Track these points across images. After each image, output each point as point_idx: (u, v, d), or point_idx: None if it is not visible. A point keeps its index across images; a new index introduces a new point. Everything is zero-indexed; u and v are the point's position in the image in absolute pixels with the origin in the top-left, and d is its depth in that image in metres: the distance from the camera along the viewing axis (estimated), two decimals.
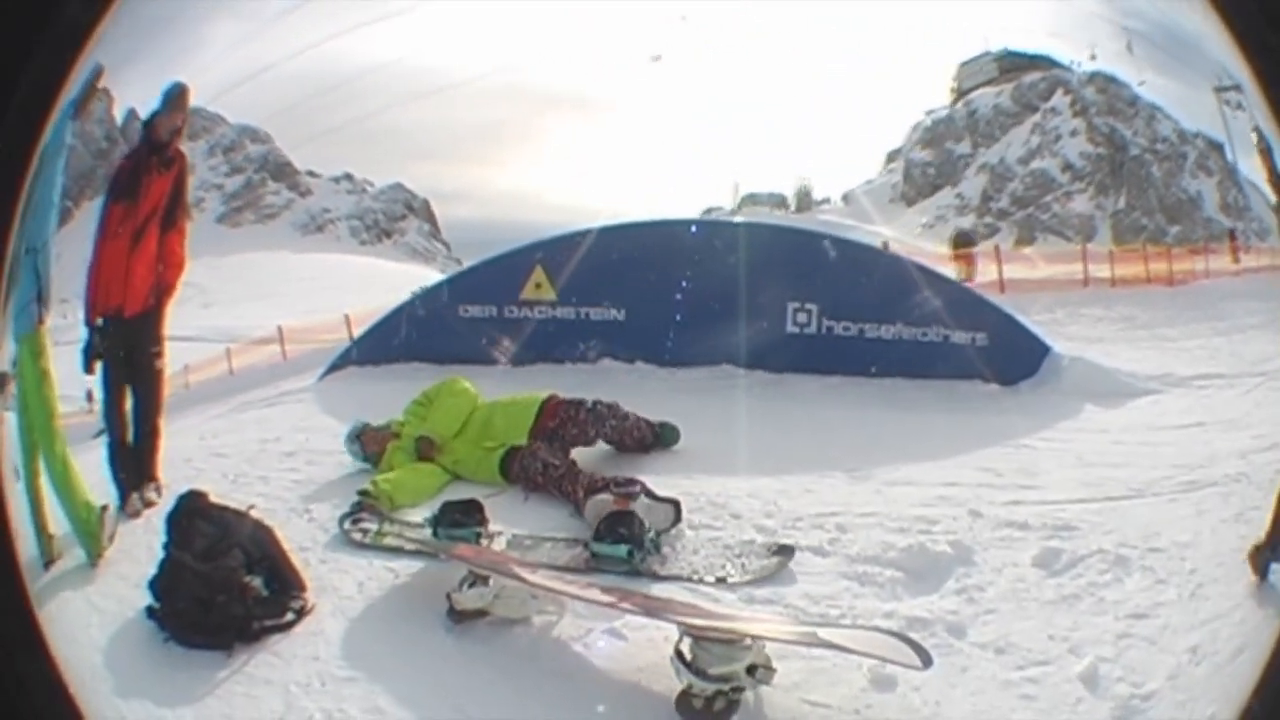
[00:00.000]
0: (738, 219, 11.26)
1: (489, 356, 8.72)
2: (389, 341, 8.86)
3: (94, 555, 5.06)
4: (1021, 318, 7.72)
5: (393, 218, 12.50)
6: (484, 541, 5.40)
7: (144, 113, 6.15)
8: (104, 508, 5.16)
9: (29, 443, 4.99)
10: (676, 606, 4.45)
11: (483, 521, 5.49)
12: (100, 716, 3.63)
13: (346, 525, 5.68)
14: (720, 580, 5.01)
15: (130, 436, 5.89)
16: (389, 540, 5.55)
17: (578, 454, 6.46)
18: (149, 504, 5.86)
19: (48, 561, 4.98)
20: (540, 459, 6.16)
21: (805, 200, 12.59)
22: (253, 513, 5.18)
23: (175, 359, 8.58)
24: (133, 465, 5.87)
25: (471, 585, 4.68)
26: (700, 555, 5.27)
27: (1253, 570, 4.39)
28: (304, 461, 6.82)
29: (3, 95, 2.49)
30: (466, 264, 10.62)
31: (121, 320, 5.75)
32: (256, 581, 4.79)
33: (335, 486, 6.38)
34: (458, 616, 4.66)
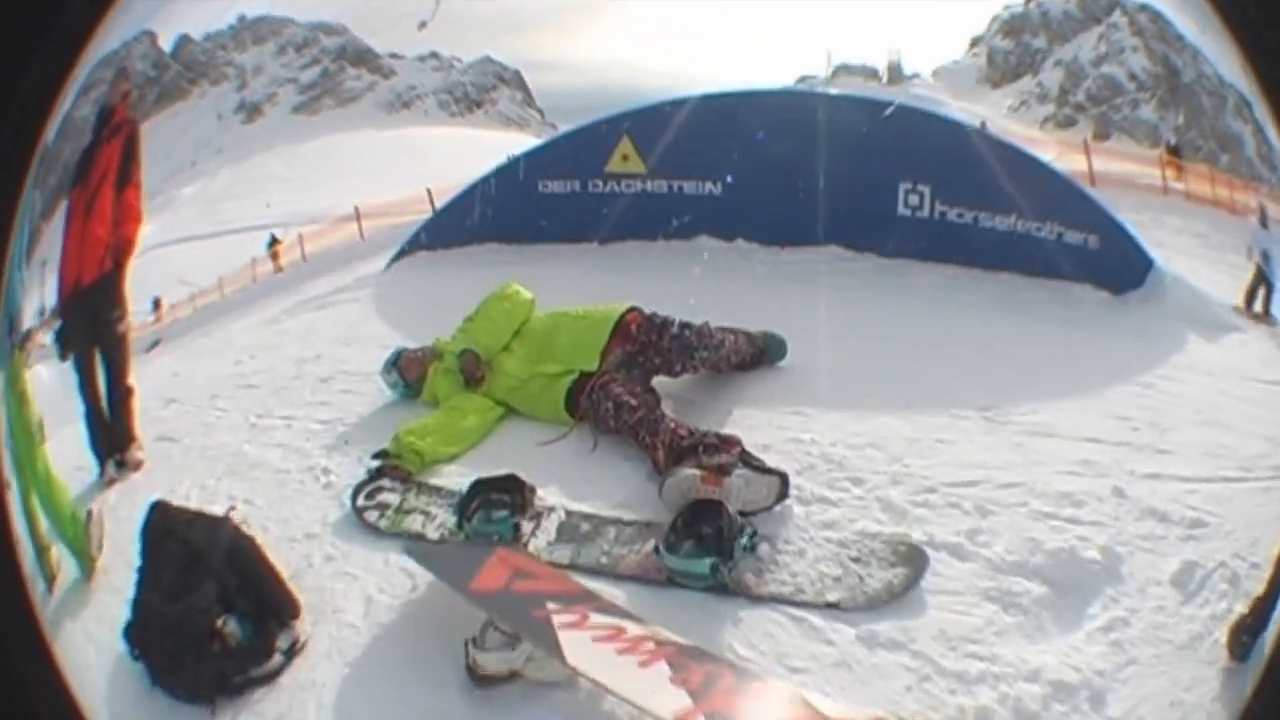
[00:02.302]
0: (835, 91, 8.97)
1: (571, 234, 6.70)
2: (461, 223, 6.91)
3: (86, 568, 3.83)
4: (1130, 227, 5.82)
5: (483, 89, 10.47)
6: (525, 529, 3.55)
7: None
8: (88, 514, 3.90)
9: (18, 466, 3.80)
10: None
11: (524, 504, 3.61)
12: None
13: (361, 501, 3.84)
14: (832, 605, 3.16)
15: (105, 405, 4.59)
16: (411, 523, 3.73)
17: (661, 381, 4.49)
18: (135, 466, 4.48)
19: (49, 579, 3.77)
20: (613, 396, 4.15)
21: (896, 74, 10.67)
22: (233, 516, 3.56)
23: (244, 249, 7.00)
24: (109, 433, 4.54)
25: (496, 628, 2.91)
26: (807, 559, 3.37)
27: (1229, 653, 3.00)
28: (339, 390, 4.97)
29: (3, 95, 2.17)
30: (561, 130, 8.54)
31: (83, 291, 4.56)
32: (231, 625, 3.19)
33: (368, 427, 4.53)
34: (481, 681, 2.90)
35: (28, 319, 4.02)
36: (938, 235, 6.01)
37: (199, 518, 3.45)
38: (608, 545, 3.47)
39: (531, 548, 3.49)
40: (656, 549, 3.31)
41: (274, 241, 7.61)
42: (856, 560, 3.33)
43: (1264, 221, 5.84)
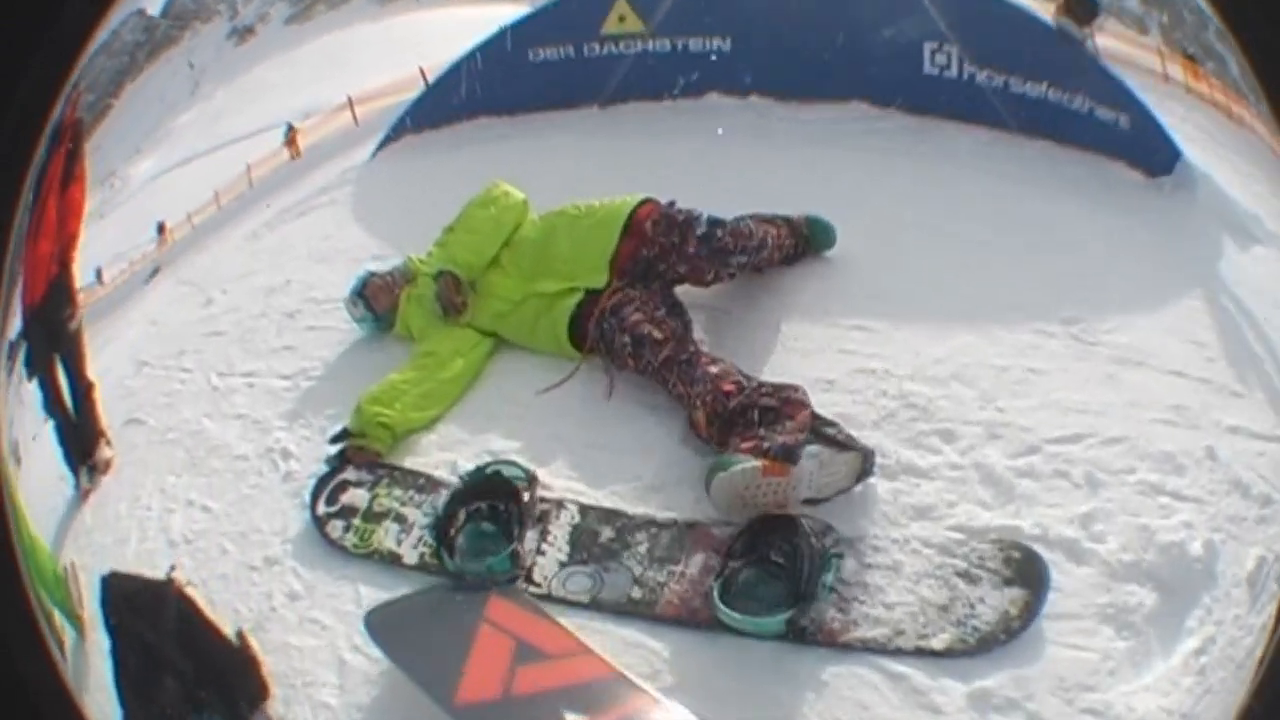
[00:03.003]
0: None
1: (568, 100, 5.16)
2: (448, 102, 5.40)
3: (76, 626, 2.86)
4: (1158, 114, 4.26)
5: None
6: (526, 550, 2.33)
7: None
8: (66, 569, 2.90)
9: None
10: None
11: (521, 516, 2.38)
12: None
13: (322, 508, 2.62)
14: (939, 653, 2.05)
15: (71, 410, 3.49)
16: (383, 537, 2.52)
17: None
18: (105, 467, 3.35)
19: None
20: (630, 325, 2.82)
21: None
22: (177, 579, 2.45)
23: (239, 157, 5.45)
24: (78, 436, 3.46)
25: None
26: (904, 577, 2.21)
27: None
28: (305, 328, 3.62)
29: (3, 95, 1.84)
30: None
31: (36, 309, 3.41)
32: None
33: (334, 380, 3.24)
34: None
35: None
36: (966, 97, 4.52)
37: (143, 591, 2.43)
38: (638, 567, 2.29)
39: (538, 576, 2.31)
40: (709, 592, 2.08)
41: (291, 130, 6.17)
42: (964, 576, 2.19)
43: None
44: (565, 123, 5.05)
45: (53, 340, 3.38)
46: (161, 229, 5.04)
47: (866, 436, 2.52)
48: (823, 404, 2.58)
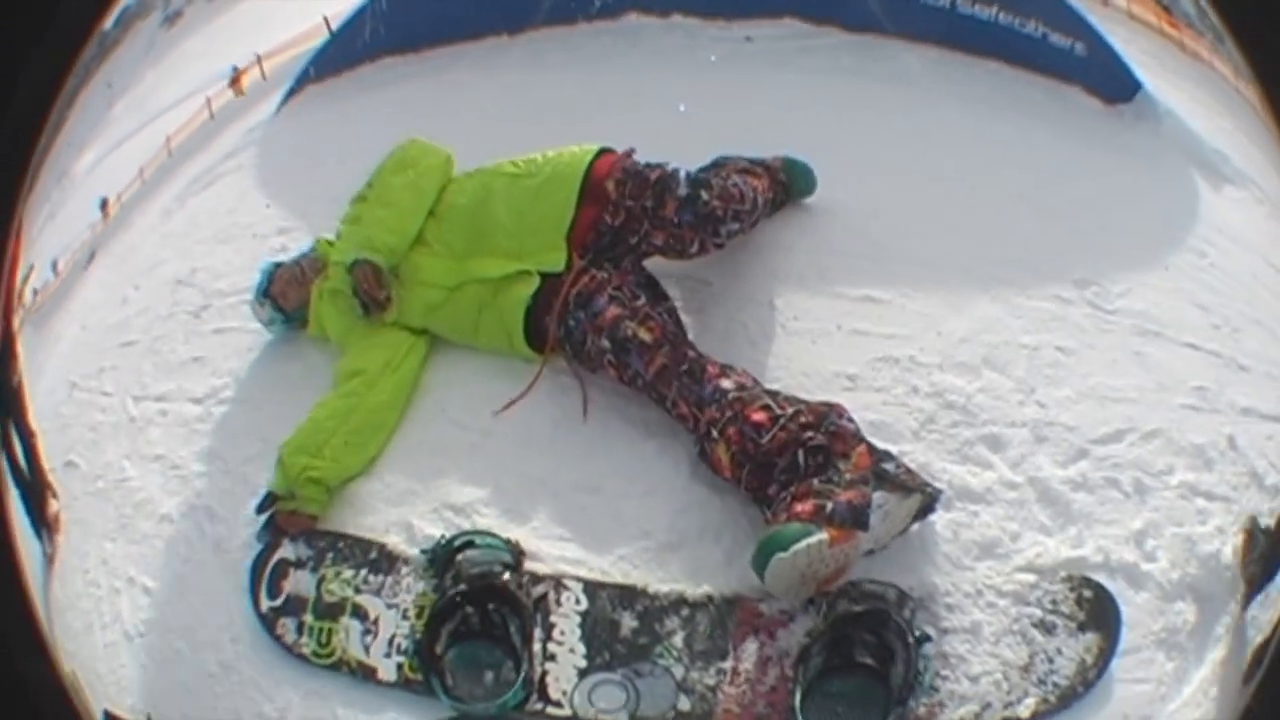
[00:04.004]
0: None
1: (475, 29, 3.97)
2: (352, 46, 4.12)
3: None
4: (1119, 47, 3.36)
5: None
6: (535, 660, 1.51)
7: None
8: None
9: None
10: None
11: (522, 619, 1.54)
12: None
13: (265, 604, 1.72)
14: None
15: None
16: (345, 643, 1.64)
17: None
18: (56, 524, 2.31)
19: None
20: (606, 323, 1.88)
21: None
22: None
23: (162, 128, 4.18)
24: (34, 494, 2.28)
25: None
26: (983, 640, 1.57)
27: None
28: (212, 331, 2.57)
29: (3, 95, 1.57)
30: None
31: None
32: None
33: (248, 406, 2.26)
34: None
35: None
36: (908, 14, 3.50)
37: None
38: (679, 667, 1.53)
39: (555, 691, 1.53)
40: (792, 710, 1.37)
41: (235, 71, 4.84)
42: (1041, 626, 1.63)
43: None
44: (475, 56, 3.89)
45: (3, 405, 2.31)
46: (104, 205, 3.95)
47: (910, 453, 1.80)
48: (848, 407, 1.79)
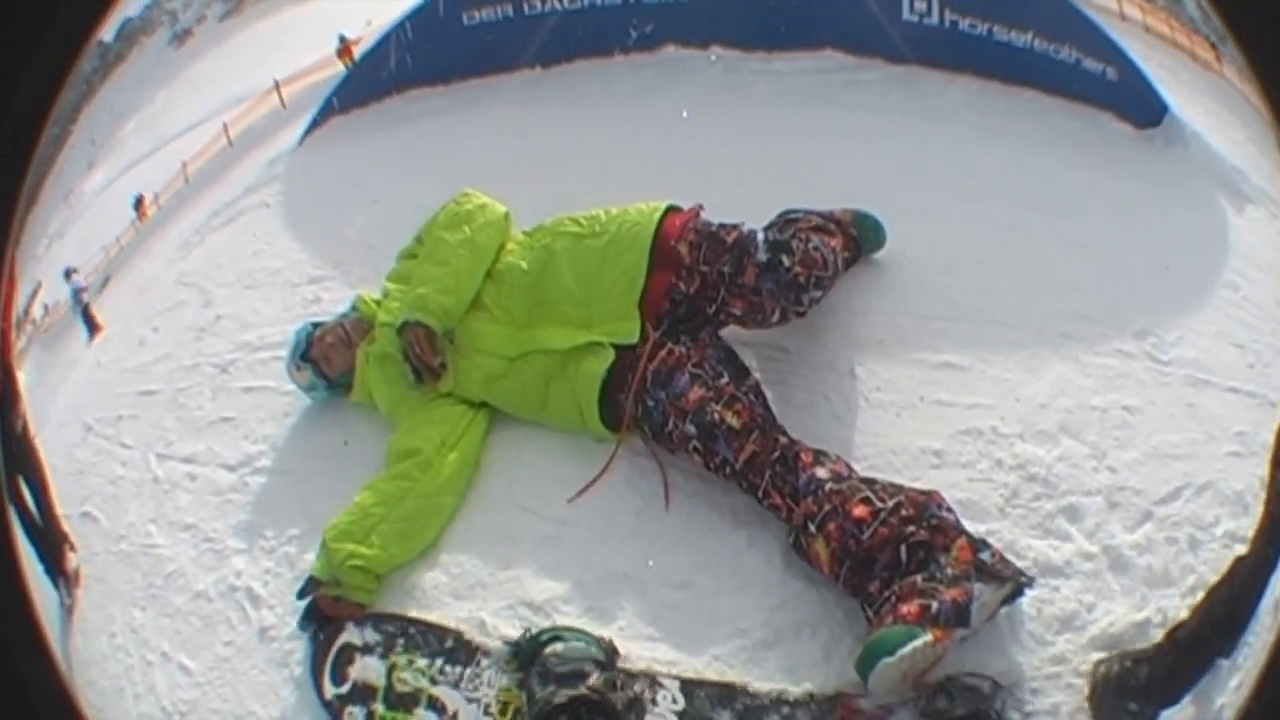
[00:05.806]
0: None
1: (507, 62, 3.89)
2: (378, 76, 4.03)
3: None
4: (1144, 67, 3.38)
5: None
6: None
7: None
8: None
9: None
10: None
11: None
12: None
13: (329, 690, 1.63)
14: None
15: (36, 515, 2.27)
16: None
17: None
18: (75, 579, 2.28)
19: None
20: (689, 406, 1.78)
21: None
22: None
23: (177, 152, 4.20)
24: (49, 543, 2.29)
25: None
26: None
27: None
28: (241, 390, 2.46)
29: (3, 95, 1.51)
30: None
31: None
32: None
33: (289, 479, 2.16)
34: None
35: None
36: (948, 45, 3.53)
37: None
38: None
39: None
40: None
41: (344, 41, 4.74)
42: None
43: None
44: (508, 89, 3.85)
45: (9, 454, 2.15)
46: (139, 203, 3.94)
47: (997, 531, 1.74)
48: (935, 485, 1.74)
